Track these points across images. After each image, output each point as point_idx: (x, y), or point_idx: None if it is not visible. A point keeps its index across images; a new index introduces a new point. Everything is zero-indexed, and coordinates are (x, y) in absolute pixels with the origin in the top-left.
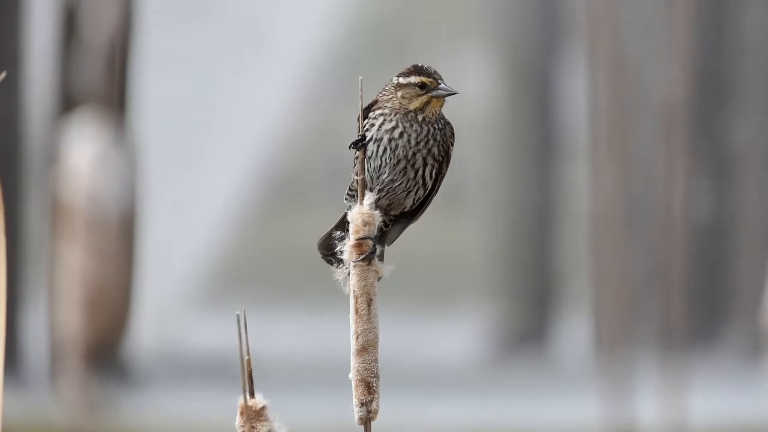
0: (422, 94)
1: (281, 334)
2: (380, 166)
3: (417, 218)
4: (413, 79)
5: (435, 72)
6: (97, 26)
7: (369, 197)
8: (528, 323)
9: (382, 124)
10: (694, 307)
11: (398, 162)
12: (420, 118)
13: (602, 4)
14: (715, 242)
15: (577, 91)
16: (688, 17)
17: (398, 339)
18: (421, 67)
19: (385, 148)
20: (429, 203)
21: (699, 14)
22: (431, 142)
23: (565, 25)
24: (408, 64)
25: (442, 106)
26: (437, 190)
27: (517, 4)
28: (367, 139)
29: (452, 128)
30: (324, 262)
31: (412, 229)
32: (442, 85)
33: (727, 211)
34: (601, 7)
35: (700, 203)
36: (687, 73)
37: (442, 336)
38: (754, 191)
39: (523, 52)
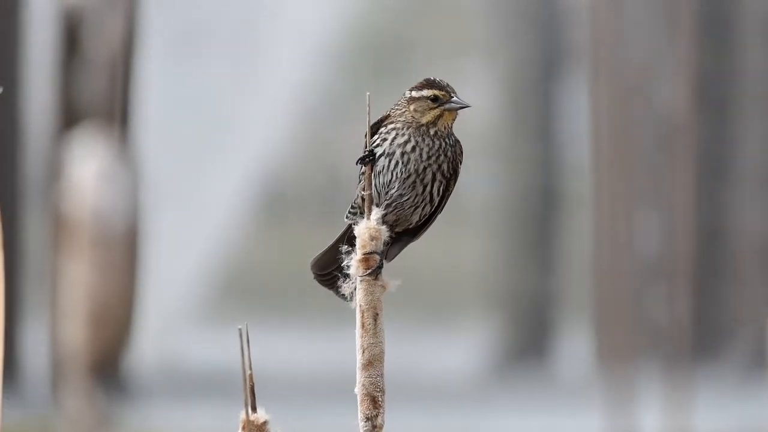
0: (434, 108)
1: (283, 349)
2: (390, 180)
3: (419, 236)
4: (426, 92)
5: (447, 85)
6: (100, 41)
7: (376, 212)
8: (529, 337)
9: (394, 138)
10: (697, 320)
11: (408, 176)
12: (432, 132)
13: (604, 20)
14: (718, 256)
15: (578, 107)
16: (691, 35)
17: (399, 354)
18: (434, 80)
19: (397, 162)
20: (433, 221)
21: (703, 33)
22: (442, 157)
23: (567, 42)
24: (409, 81)
25: (454, 120)
26: (443, 208)
27: (519, 20)
28: (379, 153)
29: (462, 146)
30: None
31: (414, 244)
32: (455, 98)
33: (731, 225)
34: (604, 24)
35: (704, 217)
36: (690, 91)
37: (443, 351)
38: (757, 207)
39: (525, 67)
